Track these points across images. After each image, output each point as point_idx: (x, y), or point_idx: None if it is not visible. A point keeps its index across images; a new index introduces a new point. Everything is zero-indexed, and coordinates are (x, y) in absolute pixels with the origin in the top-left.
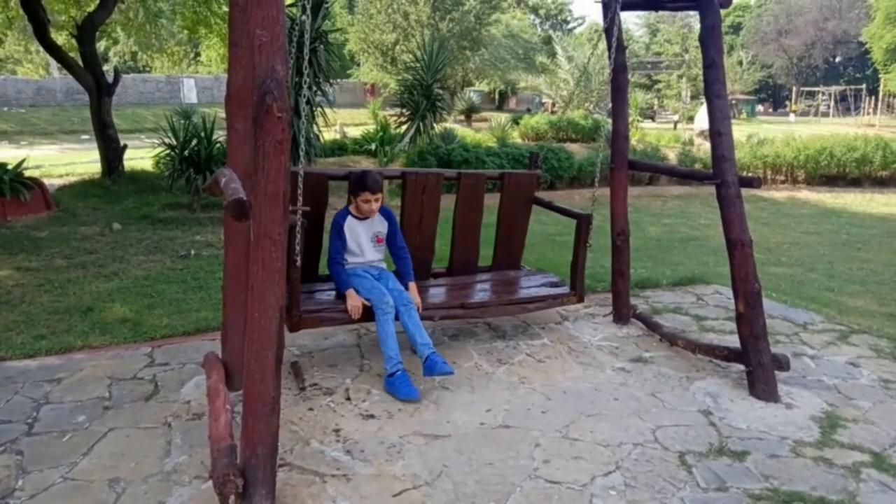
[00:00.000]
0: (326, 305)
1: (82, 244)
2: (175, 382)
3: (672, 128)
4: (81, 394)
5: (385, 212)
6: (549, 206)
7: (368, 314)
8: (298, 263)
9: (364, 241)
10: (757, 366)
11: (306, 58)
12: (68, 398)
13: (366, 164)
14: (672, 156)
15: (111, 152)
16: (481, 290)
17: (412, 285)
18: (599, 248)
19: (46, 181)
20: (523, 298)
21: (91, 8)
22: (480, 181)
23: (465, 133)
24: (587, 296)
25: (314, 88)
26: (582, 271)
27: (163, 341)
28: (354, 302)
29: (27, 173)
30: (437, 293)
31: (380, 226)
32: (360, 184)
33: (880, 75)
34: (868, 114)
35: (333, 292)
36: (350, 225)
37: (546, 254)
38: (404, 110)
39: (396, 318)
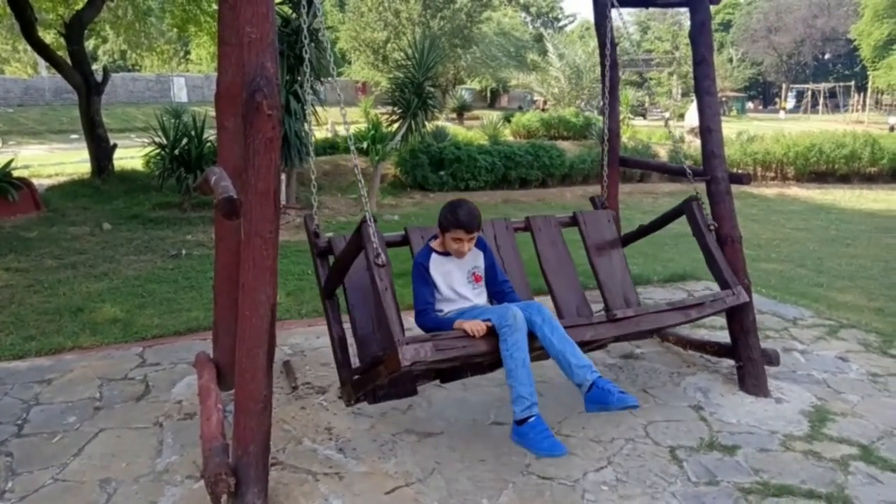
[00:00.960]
0: (437, 333)
1: (72, 244)
2: (166, 382)
3: (663, 125)
4: (72, 394)
5: (478, 242)
6: (643, 231)
7: (495, 346)
8: (382, 260)
9: (459, 281)
10: (747, 361)
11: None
12: (59, 399)
13: (357, 162)
14: (663, 153)
15: (101, 152)
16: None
17: None
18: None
19: (35, 181)
20: (684, 303)
21: (79, 6)
22: (552, 223)
23: (457, 131)
24: None
25: (304, 87)
26: (725, 263)
27: (154, 341)
28: (473, 324)
29: (16, 173)
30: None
31: (475, 259)
32: (452, 217)
33: (869, 72)
34: (857, 110)
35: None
36: (437, 264)
37: None
38: (396, 108)
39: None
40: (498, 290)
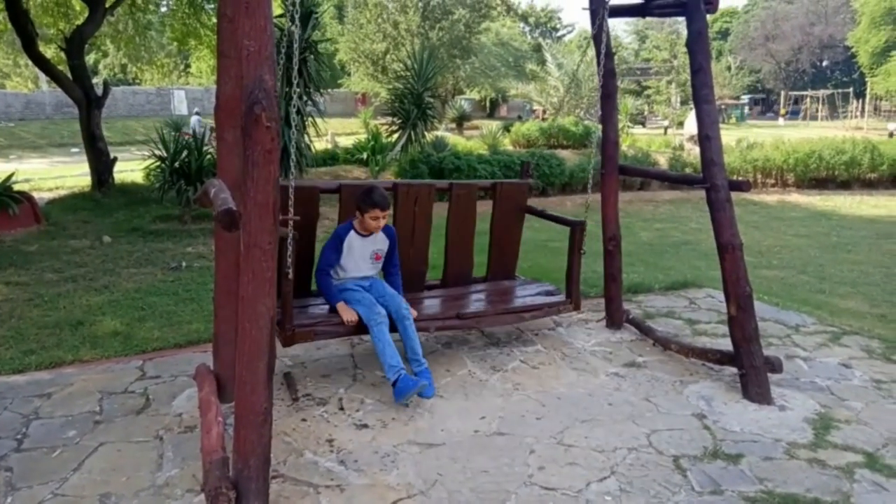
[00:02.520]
0: (320, 319)
1: (72, 258)
2: (166, 395)
3: (662, 133)
4: (72, 408)
5: (388, 230)
6: (542, 214)
7: (363, 326)
8: (290, 276)
9: (361, 258)
10: (750, 368)
11: (296, 68)
12: (58, 413)
13: (357, 173)
14: (663, 161)
15: (101, 165)
16: (477, 301)
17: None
18: (592, 253)
19: (36, 195)
20: (519, 307)
21: (80, 21)
22: (472, 191)
23: (457, 141)
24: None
25: (304, 98)
26: (577, 279)
27: (154, 354)
28: (349, 315)
29: (16, 187)
30: (433, 304)
31: (381, 243)
32: (369, 200)
33: (867, 78)
34: (856, 117)
35: (326, 307)
36: (351, 241)
37: (539, 260)
38: (395, 119)
39: (393, 329)
40: (387, 272)
